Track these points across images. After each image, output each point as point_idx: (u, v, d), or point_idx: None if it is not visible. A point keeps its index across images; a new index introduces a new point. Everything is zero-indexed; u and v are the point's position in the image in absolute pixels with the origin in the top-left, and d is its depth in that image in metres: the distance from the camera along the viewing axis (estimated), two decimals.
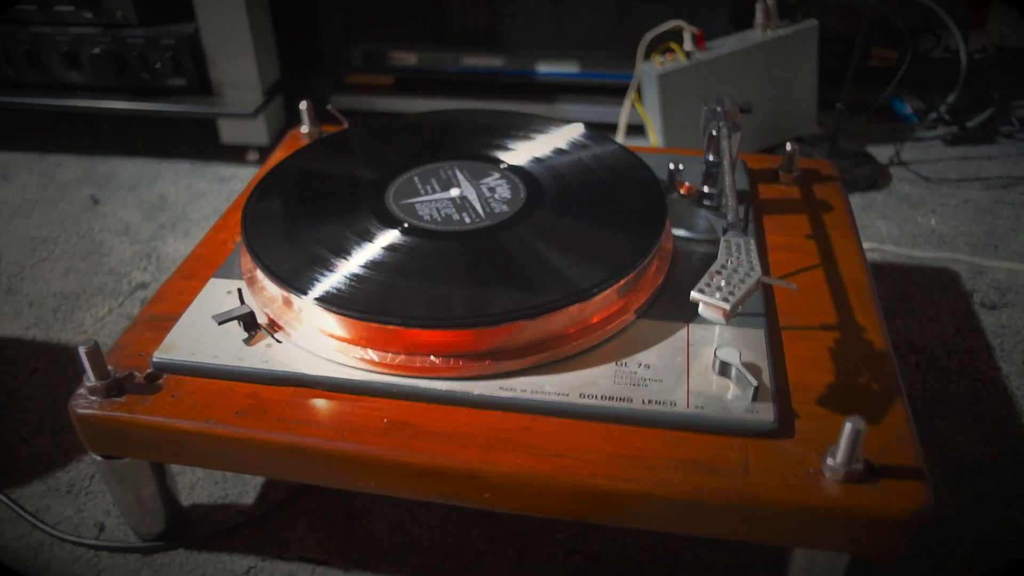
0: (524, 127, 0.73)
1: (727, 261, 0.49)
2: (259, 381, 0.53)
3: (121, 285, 0.90)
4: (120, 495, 0.58)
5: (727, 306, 0.46)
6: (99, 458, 0.55)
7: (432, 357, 0.52)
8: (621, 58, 1.07)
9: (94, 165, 1.14)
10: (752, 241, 0.51)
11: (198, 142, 1.20)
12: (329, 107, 0.74)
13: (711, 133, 0.66)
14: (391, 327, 0.51)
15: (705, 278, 0.48)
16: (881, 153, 1.09)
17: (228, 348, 0.54)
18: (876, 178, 1.02)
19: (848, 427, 0.44)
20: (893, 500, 0.44)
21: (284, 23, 1.07)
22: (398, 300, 0.53)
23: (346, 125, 0.74)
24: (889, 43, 1.22)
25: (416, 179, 0.65)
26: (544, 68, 1.13)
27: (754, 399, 0.49)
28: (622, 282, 0.54)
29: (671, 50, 0.99)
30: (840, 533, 0.45)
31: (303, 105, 0.78)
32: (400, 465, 0.48)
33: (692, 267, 0.61)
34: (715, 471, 0.46)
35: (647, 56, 1.00)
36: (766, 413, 0.48)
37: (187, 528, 0.61)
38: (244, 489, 0.64)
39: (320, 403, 0.52)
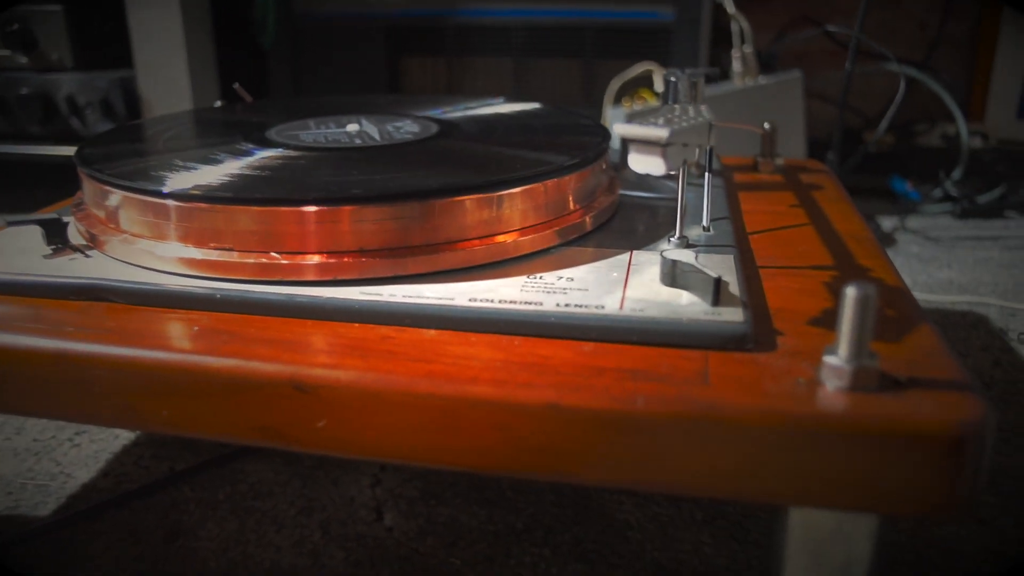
0: (456, 101, 0.63)
1: (668, 111, 0.36)
2: (43, 294, 0.39)
3: None
4: None
5: (665, 133, 0.32)
6: None
7: (273, 253, 0.38)
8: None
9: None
10: (705, 107, 0.39)
11: None
12: (236, 86, 0.65)
13: (669, 80, 0.55)
14: (215, 207, 0.38)
15: (635, 120, 0.35)
16: (883, 224, 0.97)
17: (16, 265, 0.41)
18: (880, 240, 0.90)
19: (852, 293, 0.29)
20: (930, 410, 0.28)
21: (232, 74, 1.00)
22: (238, 184, 0.40)
23: (250, 100, 0.65)
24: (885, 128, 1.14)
25: (311, 122, 0.54)
26: None
27: (715, 302, 0.34)
28: (534, 186, 0.41)
29: (643, 98, 0.90)
30: (848, 468, 0.29)
31: (217, 103, 0.69)
32: (200, 375, 0.33)
33: (647, 220, 0.48)
34: (658, 379, 0.31)
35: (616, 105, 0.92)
36: (733, 315, 0.34)
37: None
38: (43, 500, 0.47)
39: (115, 314, 0.37)
